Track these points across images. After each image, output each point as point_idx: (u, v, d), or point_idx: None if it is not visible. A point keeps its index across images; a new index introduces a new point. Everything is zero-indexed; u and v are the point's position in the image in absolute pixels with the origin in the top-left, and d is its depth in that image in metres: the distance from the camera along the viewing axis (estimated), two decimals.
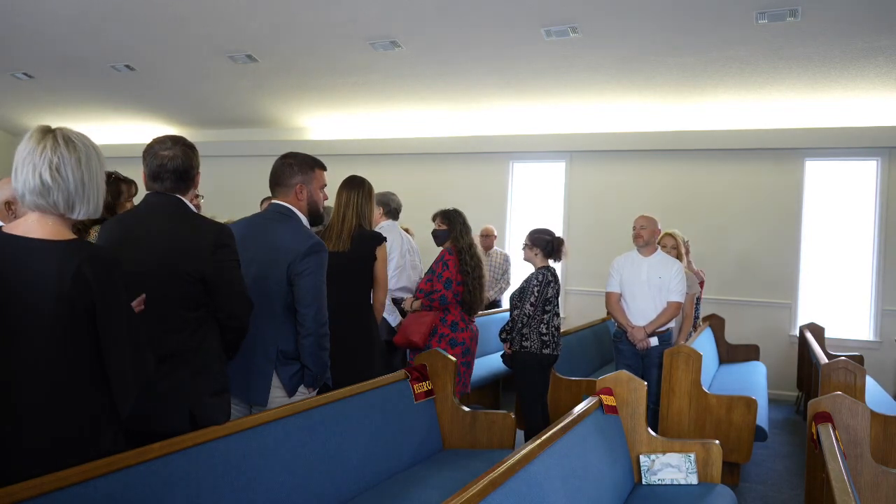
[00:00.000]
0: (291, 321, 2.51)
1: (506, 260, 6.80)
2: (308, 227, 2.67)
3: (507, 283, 6.81)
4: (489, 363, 5.47)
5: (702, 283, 5.51)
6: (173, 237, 2.14)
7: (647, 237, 4.47)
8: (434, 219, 4.24)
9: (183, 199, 2.23)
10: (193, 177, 2.26)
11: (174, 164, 2.19)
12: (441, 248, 4.15)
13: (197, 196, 3.41)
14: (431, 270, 4.05)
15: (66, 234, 1.70)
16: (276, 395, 2.48)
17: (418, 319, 3.92)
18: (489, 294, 6.43)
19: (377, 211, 4.60)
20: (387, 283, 3.47)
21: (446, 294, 3.93)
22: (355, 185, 3.43)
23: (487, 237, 6.77)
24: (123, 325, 1.70)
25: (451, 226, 4.09)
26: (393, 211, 4.51)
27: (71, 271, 1.62)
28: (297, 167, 2.65)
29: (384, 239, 3.42)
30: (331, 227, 3.39)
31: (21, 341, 1.61)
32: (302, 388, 2.53)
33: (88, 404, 1.67)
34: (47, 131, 1.68)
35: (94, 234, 3.30)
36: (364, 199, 3.40)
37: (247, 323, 2.28)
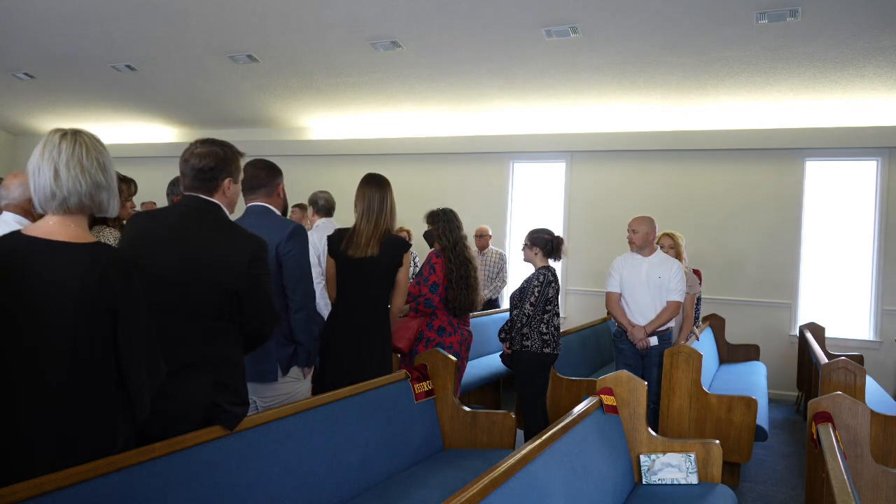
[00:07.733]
0: (283, 303, 2.69)
1: (501, 258, 6.80)
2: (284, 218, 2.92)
3: (504, 282, 6.81)
4: (489, 363, 5.47)
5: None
6: (210, 248, 2.08)
7: (641, 241, 4.41)
8: (426, 220, 4.20)
9: (220, 204, 2.19)
10: (217, 178, 2.17)
11: (194, 164, 2.17)
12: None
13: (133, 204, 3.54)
14: (420, 273, 3.92)
15: (88, 237, 1.70)
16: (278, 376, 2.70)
17: (404, 325, 3.81)
18: (484, 293, 6.43)
19: (309, 210, 4.88)
20: (406, 289, 3.43)
21: (431, 298, 3.79)
22: (382, 186, 3.32)
23: (482, 237, 6.77)
24: (142, 329, 1.70)
25: (433, 226, 3.95)
26: (322, 208, 4.68)
27: (96, 273, 1.62)
28: (273, 171, 2.89)
29: (410, 245, 3.39)
30: (358, 232, 3.26)
31: (44, 341, 1.61)
32: (296, 371, 2.72)
33: (109, 405, 1.68)
34: (64, 133, 1.68)
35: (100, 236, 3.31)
36: (391, 200, 3.33)
37: (269, 335, 2.25)
